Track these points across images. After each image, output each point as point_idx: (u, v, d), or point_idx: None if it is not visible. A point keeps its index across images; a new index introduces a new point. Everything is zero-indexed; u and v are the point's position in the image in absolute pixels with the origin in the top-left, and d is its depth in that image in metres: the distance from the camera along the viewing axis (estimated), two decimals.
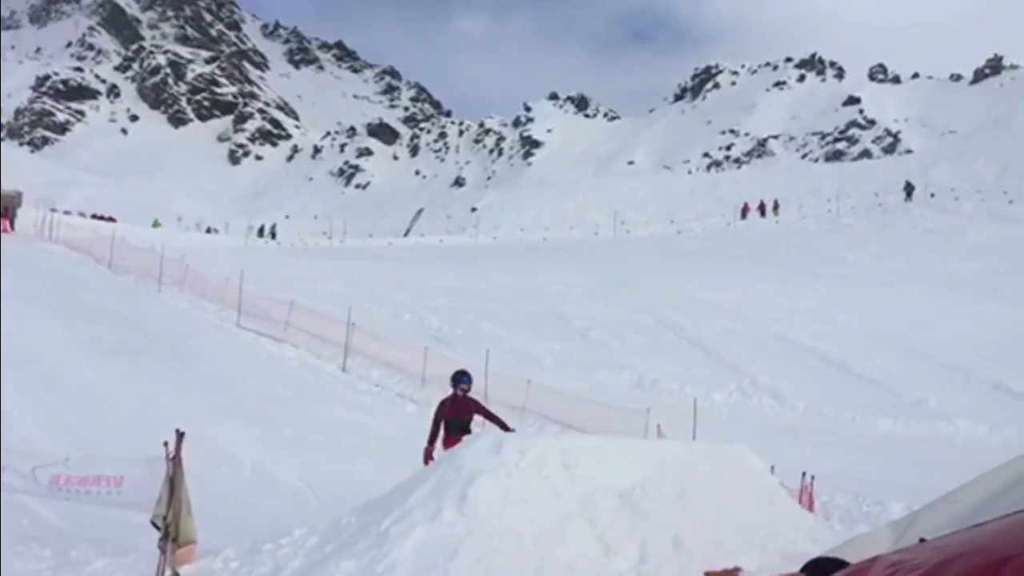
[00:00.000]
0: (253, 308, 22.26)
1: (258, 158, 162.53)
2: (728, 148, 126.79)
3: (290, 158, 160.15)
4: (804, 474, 10.93)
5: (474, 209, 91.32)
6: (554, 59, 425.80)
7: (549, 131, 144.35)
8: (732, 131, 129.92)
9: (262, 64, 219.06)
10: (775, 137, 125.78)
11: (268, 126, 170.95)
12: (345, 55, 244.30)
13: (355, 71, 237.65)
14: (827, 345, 23.07)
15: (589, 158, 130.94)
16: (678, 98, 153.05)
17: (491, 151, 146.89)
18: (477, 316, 25.64)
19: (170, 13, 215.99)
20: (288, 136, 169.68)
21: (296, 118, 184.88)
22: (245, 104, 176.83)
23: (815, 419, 18.67)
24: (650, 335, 24.88)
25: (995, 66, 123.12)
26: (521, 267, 36.57)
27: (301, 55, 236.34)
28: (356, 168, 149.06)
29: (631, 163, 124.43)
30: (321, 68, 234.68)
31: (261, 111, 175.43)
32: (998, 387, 19.19)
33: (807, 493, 10.68)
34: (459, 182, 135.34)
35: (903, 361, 21.70)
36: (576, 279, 33.14)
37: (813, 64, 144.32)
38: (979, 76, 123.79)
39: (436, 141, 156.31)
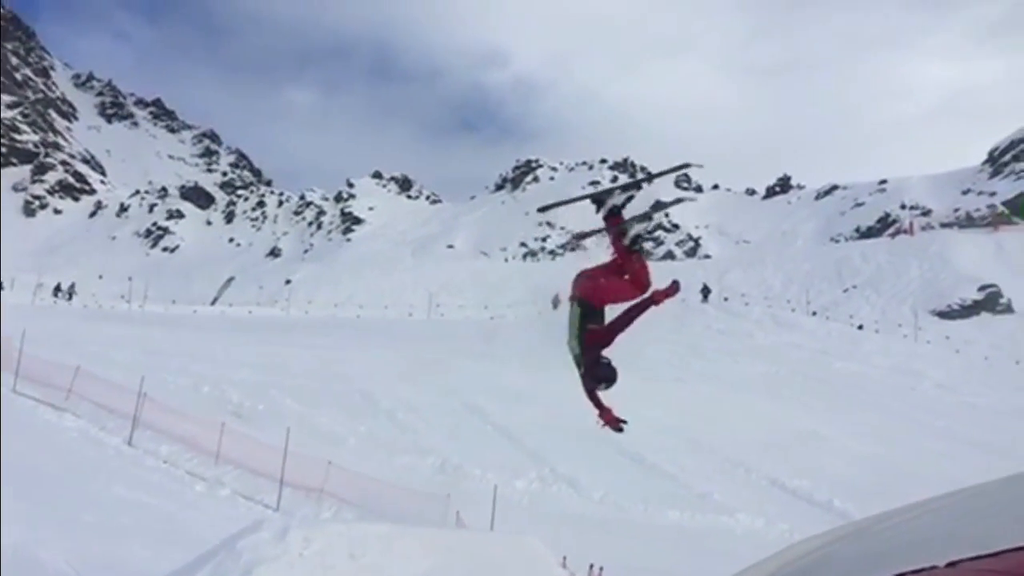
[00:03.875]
0: (33, 372, 20.55)
1: (57, 211, 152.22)
2: (544, 239, 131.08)
3: (93, 214, 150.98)
4: (592, 566, 11.16)
5: (288, 281, 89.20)
6: (381, 138, 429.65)
7: (371, 209, 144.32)
8: (549, 223, 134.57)
9: (70, 114, 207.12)
10: (588, 233, 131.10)
11: (71, 179, 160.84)
12: (163, 113, 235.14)
13: (172, 131, 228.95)
14: (624, 437, 23.80)
15: (409, 239, 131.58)
16: (499, 187, 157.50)
17: (310, 224, 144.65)
18: (281, 392, 24.82)
19: None
20: (92, 191, 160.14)
21: (103, 173, 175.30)
22: (47, 154, 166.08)
23: (610, 509, 19.17)
24: (457, 420, 24.91)
25: (784, 185, 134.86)
26: (332, 344, 35.90)
27: (115, 109, 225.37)
28: (165, 230, 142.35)
29: (450, 247, 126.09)
30: (135, 124, 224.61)
31: (64, 163, 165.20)
32: (775, 483, 20.48)
33: None
34: (275, 253, 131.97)
35: (693, 455, 22.78)
36: (387, 359, 32.86)
37: (626, 167, 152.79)
38: (770, 192, 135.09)
39: (254, 209, 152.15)
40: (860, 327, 50.09)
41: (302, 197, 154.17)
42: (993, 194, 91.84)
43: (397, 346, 37.20)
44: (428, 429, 23.84)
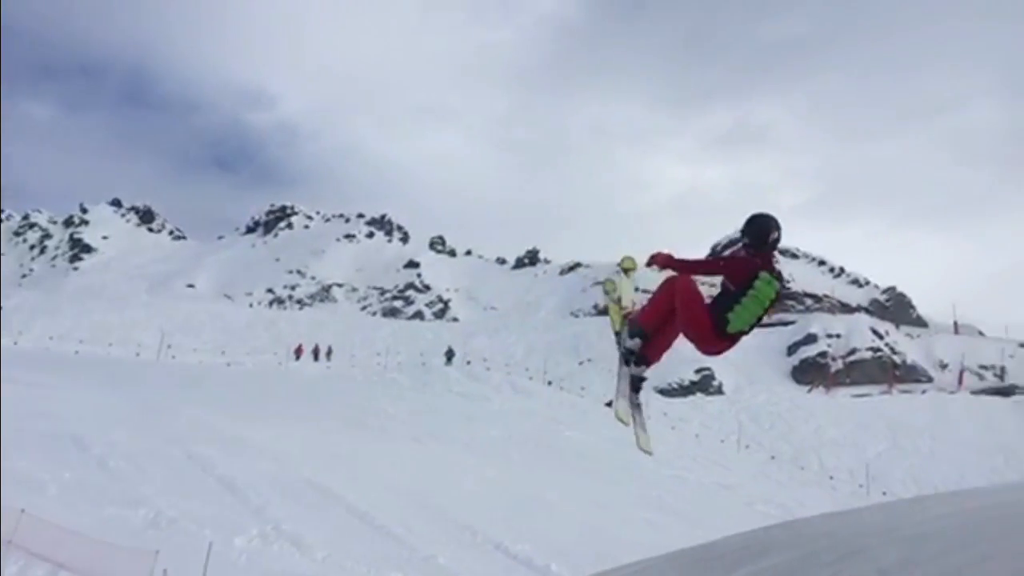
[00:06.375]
0: None
1: None
2: (293, 288, 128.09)
3: None
4: None
5: None
6: (125, 166, 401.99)
7: (105, 238, 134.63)
8: (299, 272, 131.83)
9: None
10: (339, 285, 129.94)
11: None
12: None
13: None
14: (354, 495, 23.45)
15: (146, 274, 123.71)
16: (250, 230, 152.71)
17: (32, 247, 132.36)
18: None
19: None
20: None
21: None
22: None
23: (333, 570, 18.62)
24: (176, 469, 23.33)
25: (532, 258, 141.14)
26: (40, 380, 32.67)
27: None
28: None
29: (191, 286, 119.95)
30: None
31: None
32: (499, 547, 20.86)
33: None
34: None
35: (422, 517, 22.75)
36: (105, 400, 30.35)
37: (383, 224, 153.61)
38: (520, 264, 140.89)
39: None
40: (609, 404, 52.80)
41: (26, 217, 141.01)
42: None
43: (118, 387, 34.52)
44: (143, 479, 22.12)
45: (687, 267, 5.83)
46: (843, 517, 3.11)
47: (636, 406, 6.17)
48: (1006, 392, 66.90)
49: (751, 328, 5.49)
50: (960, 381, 69.79)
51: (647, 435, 6.23)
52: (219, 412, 31.67)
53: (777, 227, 5.54)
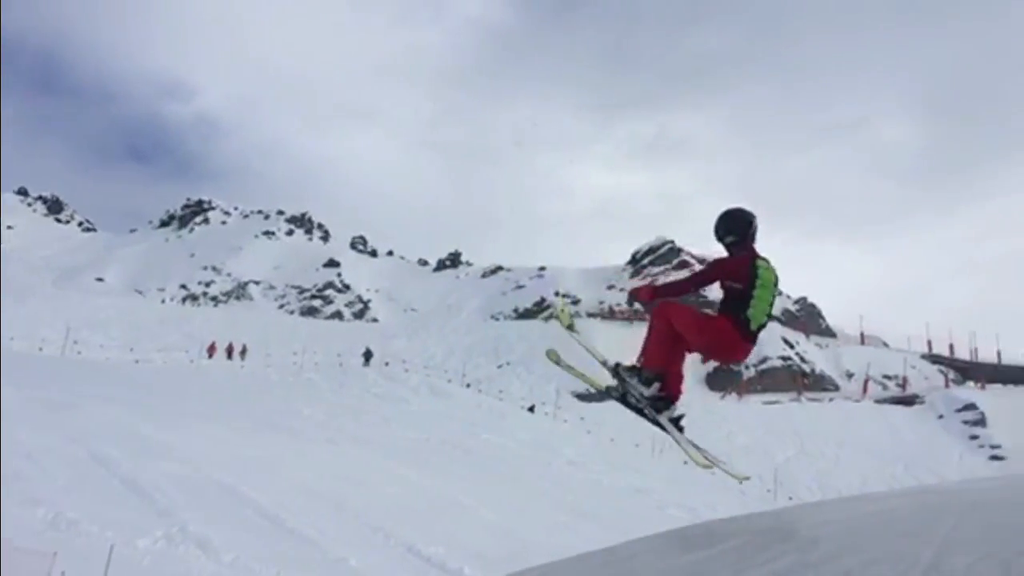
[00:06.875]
0: None
1: None
2: (208, 284, 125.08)
3: None
4: None
5: None
6: (33, 153, 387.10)
7: (9, 227, 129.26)
8: (215, 268, 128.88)
9: None
10: (256, 283, 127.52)
11: None
12: None
13: None
14: (265, 497, 23.02)
15: (53, 266, 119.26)
16: (164, 224, 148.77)
17: None
18: None
19: None
20: None
21: None
22: None
23: (240, 572, 18.23)
24: (78, 469, 22.52)
25: (454, 260, 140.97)
26: None
27: None
28: None
29: (100, 280, 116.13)
30: None
31: None
32: (411, 550, 20.74)
33: None
34: None
35: (335, 519, 22.47)
36: (3, 396, 29.10)
37: (303, 222, 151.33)
38: (441, 265, 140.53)
39: None
40: (531, 408, 53.17)
41: None
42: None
43: (19, 383, 33.15)
44: (43, 478, 21.28)
45: (676, 289, 5.64)
46: (744, 520, 3.19)
47: (691, 445, 5.69)
48: (907, 401, 69.58)
49: (768, 319, 5.35)
50: (865, 390, 72.34)
51: (723, 464, 5.98)
52: (126, 411, 30.72)
53: (754, 215, 5.56)
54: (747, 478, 6.56)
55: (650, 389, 5.64)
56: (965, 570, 1.66)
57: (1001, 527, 1.98)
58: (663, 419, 5.63)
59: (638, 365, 5.73)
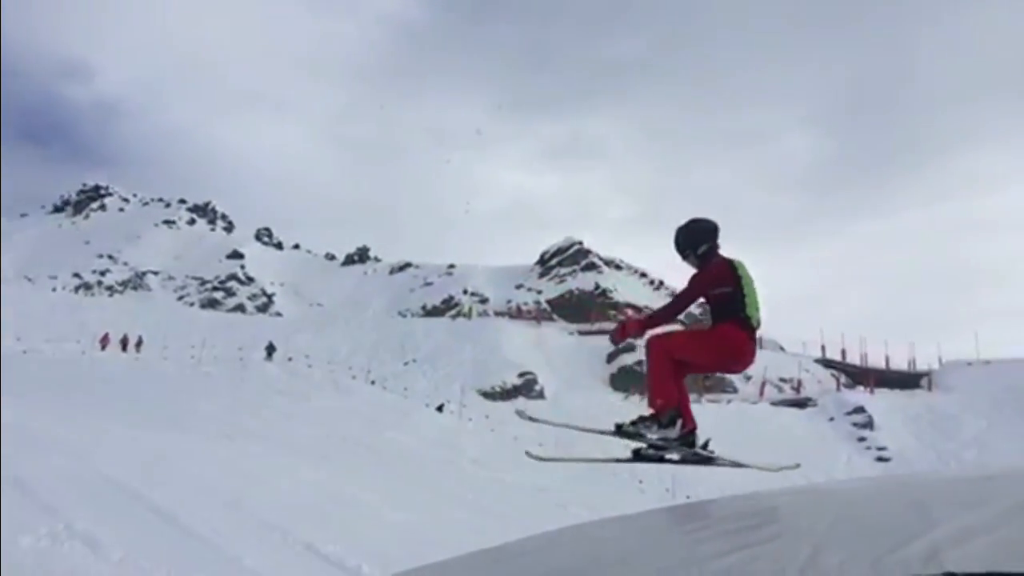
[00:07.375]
0: None
1: None
2: (103, 273, 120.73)
3: None
4: None
5: None
6: None
7: None
8: (111, 257, 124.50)
9: None
10: (155, 273, 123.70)
11: None
12: None
13: None
14: (159, 494, 22.28)
15: None
16: (58, 209, 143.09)
17: None
18: None
19: None
20: None
21: None
22: None
23: (130, 571, 17.55)
24: None
25: (363, 255, 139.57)
26: None
27: None
28: None
29: None
30: None
31: None
32: (309, 548, 20.31)
33: None
34: None
35: (231, 517, 21.88)
36: None
37: (206, 212, 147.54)
38: (349, 260, 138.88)
39: None
40: (440, 408, 52.80)
41: None
42: (540, 292, 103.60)
43: None
44: None
45: (667, 315, 5.47)
46: (635, 519, 3.24)
47: (738, 464, 5.65)
48: (801, 404, 72.04)
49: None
50: (762, 392, 74.57)
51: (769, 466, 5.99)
52: (9, 403, 29.32)
53: (715, 221, 5.54)
54: (798, 466, 6.87)
55: (675, 429, 5.49)
56: (838, 567, 1.71)
57: (872, 526, 2.06)
58: (700, 453, 5.52)
59: (651, 411, 5.50)
